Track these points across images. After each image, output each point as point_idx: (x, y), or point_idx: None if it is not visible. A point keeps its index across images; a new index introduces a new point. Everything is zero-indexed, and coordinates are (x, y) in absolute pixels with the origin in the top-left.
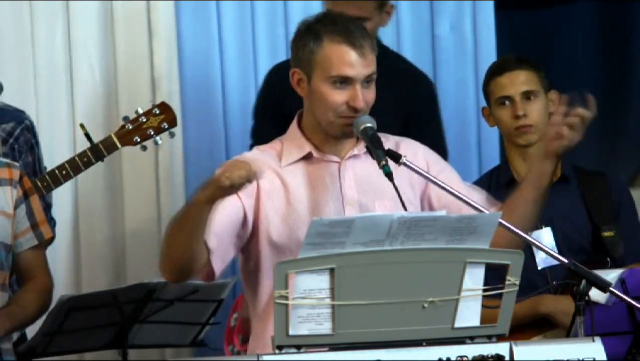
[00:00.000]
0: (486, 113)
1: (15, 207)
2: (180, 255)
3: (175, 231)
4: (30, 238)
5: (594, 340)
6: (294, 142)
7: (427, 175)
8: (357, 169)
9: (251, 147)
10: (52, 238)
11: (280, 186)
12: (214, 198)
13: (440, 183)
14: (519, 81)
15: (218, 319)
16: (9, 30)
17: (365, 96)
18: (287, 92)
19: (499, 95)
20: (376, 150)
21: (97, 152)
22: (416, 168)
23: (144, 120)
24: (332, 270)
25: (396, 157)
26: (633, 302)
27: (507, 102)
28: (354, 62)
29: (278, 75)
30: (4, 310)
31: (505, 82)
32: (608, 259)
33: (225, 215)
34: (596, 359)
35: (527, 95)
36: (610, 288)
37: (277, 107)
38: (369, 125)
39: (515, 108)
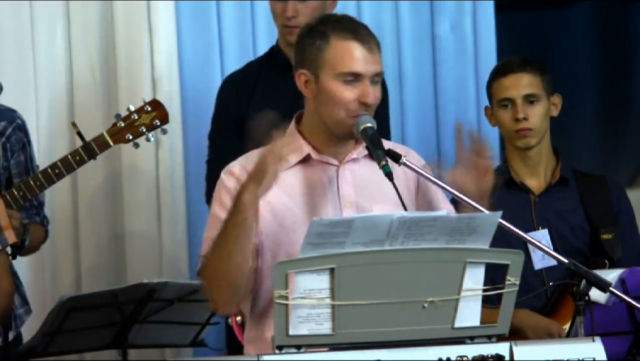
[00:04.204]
0: (489, 113)
1: None
2: (236, 272)
3: (227, 251)
4: None
5: (594, 340)
6: (292, 145)
7: (427, 175)
8: (356, 173)
9: (209, 148)
10: (45, 239)
11: (278, 190)
12: (259, 190)
13: (440, 183)
14: (521, 84)
15: (218, 319)
16: (9, 30)
17: (374, 93)
18: (240, 100)
19: (501, 97)
20: (376, 150)
21: (90, 150)
22: (416, 168)
23: (136, 117)
24: (332, 270)
25: (396, 157)
26: (633, 302)
27: (508, 105)
28: (362, 58)
29: (232, 85)
30: None
31: (507, 84)
32: (606, 261)
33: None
34: (596, 359)
35: (529, 99)
36: (610, 288)
37: (232, 115)
38: (369, 125)
39: (516, 112)
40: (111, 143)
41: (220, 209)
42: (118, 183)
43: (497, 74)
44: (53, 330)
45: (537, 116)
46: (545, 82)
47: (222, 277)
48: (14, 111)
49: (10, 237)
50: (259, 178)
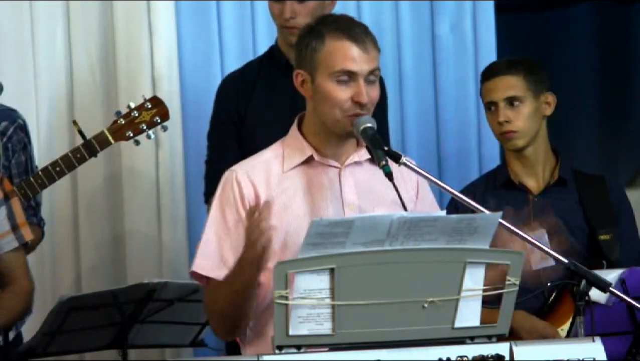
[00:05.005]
0: None
1: None
2: (239, 318)
3: (231, 306)
4: (11, 240)
5: (594, 340)
6: (294, 146)
7: (427, 175)
8: (358, 176)
9: (209, 148)
10: (40, 239)
11: (280, 192)
12: (258, 268)
13: (441, 184)
14: (503, 87)
15: None
16: (9, 30)
17: (370, 93)
18: (239, 100)
19: (486, 101)
20: (376, 150)
21: (91, 147)
22: (416, 168)
23: (136, 114)
24: (332, 270)
25: (396, 157)
26: (633, 302)
27: (492, 108)
28: (356, 56)
29: (231, 85)
30: None
31: (491, 88)
32: (604, 262)
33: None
34: (596, 359)
35: (511, 101)
36: (610, 288)
37: (231, 115)
38: (369, 125)
39: (497, 115)
40: (112, 140)
41: (219, 217)
42: (118, 183)
43: (483, 77)
44: (53, 330)
45: (520, 118)
46: (532, 83)
47: (226, 319)
48: (14, 111)
49: (27, 234)
50: (255, 260)
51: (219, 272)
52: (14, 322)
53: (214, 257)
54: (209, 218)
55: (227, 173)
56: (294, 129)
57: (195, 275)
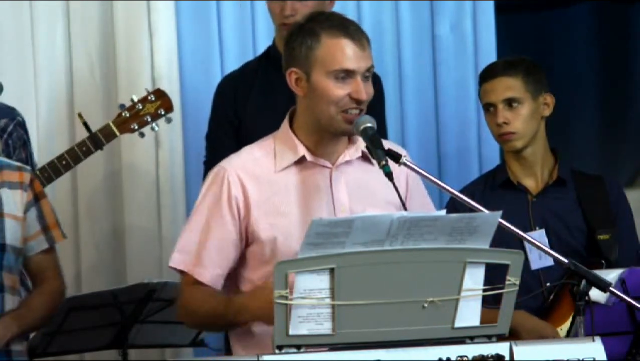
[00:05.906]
0: None
1: (26, 211)
2: (216, 330)
3: (211, 323)
4: (42, 242)
5: (594, 340)
6: (286, 144)
7: (427, 175)
8: (349, 176)
9: (207, 149)
10: None
11: (272, 194)
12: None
13: (440, 183)
14: (501, 88)
15: None
16: (9, 30)
17: (366, 89)
18: (238, 101)
19: (484, 102)
20: (376, 150)
21: (96, 140)
22: (416, 168)
23: (141, 107)
24: (332, 270)
25: (396, 157)
26: (633, 302)
27: (491, 109)
28: (354, 55)
29: (229, 86)
30: (13, 313)
31: (489, 89)
32: (603, 262)
33: (224, 252)
34: (596, 359)
35: (510, 103)
36: (610, 288)
37: (229, 116)
38: (369, 125)
39: (496, 116)
40: (117, 133)
41: (204, 213)
42: (118, 183)
43: (482, 78)
44: (53, 330)
45: (519, 119)
46: (530, 84)
47: (201, 325)
48: (13, 109)
49: (58, 235)
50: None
51: (195, 269)
52: (43, 322)
53: (193, 253)
54: (194, 211)
55: (216, 169)
56: (285, 125)
57: (172, 268)
